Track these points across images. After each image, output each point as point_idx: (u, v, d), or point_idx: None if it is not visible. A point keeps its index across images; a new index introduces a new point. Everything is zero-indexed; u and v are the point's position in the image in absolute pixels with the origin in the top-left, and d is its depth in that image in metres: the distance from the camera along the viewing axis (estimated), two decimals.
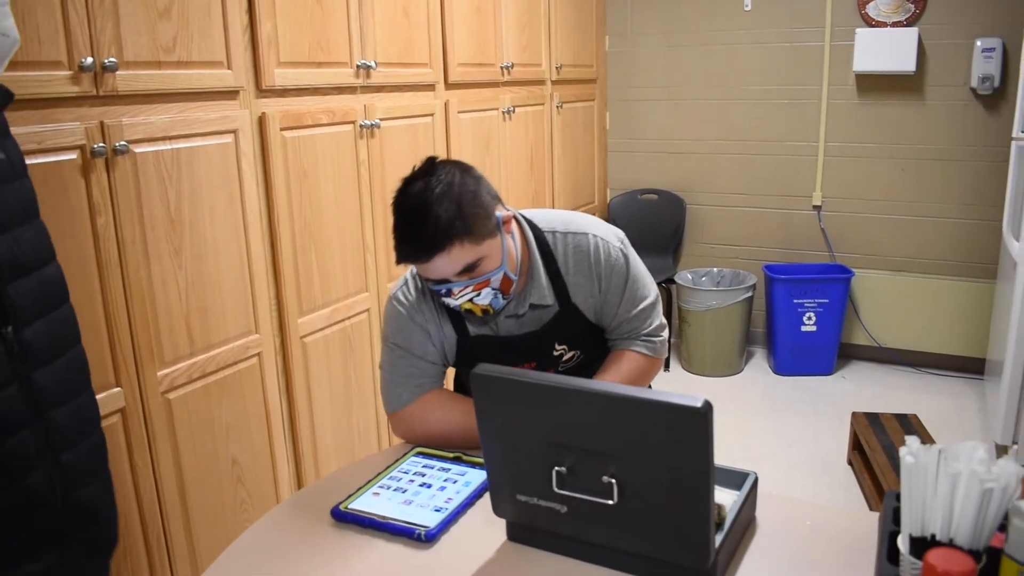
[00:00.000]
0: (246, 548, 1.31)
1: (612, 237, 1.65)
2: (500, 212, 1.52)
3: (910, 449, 0.96)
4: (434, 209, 1.40)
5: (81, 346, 1.43)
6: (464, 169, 1.49)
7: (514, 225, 1.59)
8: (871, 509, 2.93)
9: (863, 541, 1.24)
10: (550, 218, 1.68)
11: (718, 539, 1.13)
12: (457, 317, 1.64)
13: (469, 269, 1.46)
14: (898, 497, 1.24)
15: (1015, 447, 3.16)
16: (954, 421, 3.66)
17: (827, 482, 3.19)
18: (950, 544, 0.94)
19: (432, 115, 3.00)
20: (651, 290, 1.70)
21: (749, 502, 1.27)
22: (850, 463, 3.30)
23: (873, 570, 1.16)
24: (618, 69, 4.68)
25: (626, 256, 1.65)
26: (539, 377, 1.13)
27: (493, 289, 1.52)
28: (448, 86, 3.12)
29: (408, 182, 1.47)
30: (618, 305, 1.65)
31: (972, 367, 4.16)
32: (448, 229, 1.41)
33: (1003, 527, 0.95)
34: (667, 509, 1.08)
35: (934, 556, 0.73)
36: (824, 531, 1.28)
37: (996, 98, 3.89)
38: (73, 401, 1.38)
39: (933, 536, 0.95)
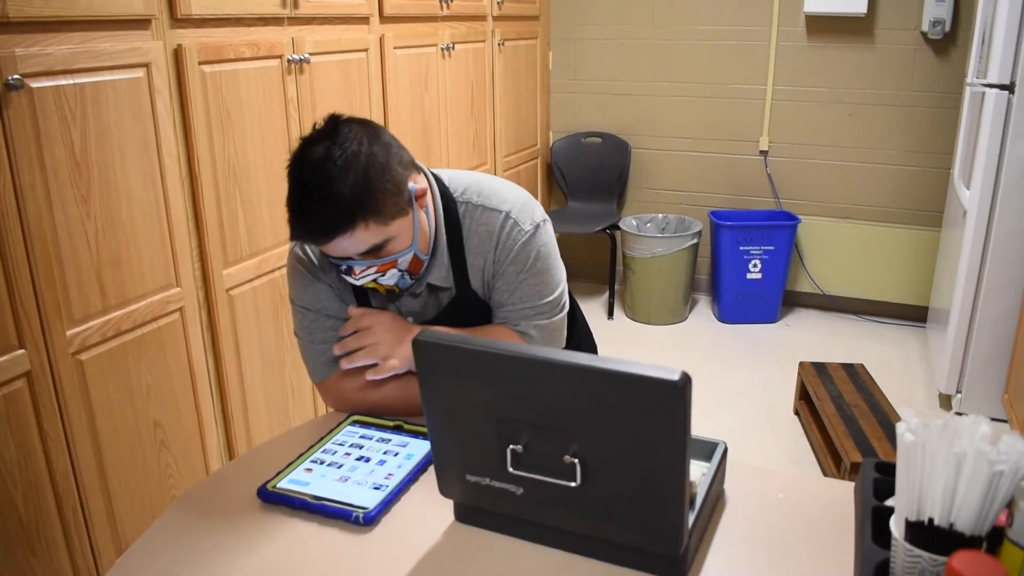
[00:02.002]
0: (159, 538, 1.16)
1: (527, 219, 1.43)
2: (414, 184, 1.33)
3: (908, 425, 0.86)
4: (336, 184, 1.21)
5: None
6: (373, 134, 1.28)
7: (429, 197, 1.39)
8: (818, 460, 2.90)
9: (841, 515, 1.15)
10: (467, 184, 1.47)
11: (689, 520, 1.02)
12: (357, 287, 1.46)
13: (374, 250, 1.29)
14: (877, 467, 1.16)
15: (959, 396, 3.16)
16: (899, 369, 3.66)
17: (773, 431, 3.15)
18: (950, 529, 0.85)
19: (366, 50, 2.80)
20: (552, 287, 1.47)
21: (719, 476, 1.17)
22: (796, 413, 3.27)
23: (853, 548, 1.07)
24: (562, 6, 4.49)
25: (533, 244, 1.43)
26: (490, 345, 1.00)
27: (400, 271, 1.36)
28: (383, 19, 2.91)
29: (306, 144, 1.26)
30: (507, 294, 1.45)
31: (915, 315, 4.17)
32: (352, 209, 1.22)
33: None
34: (636, 491, 0.97)
35: (960, 560, 0.63)
36: (798, 505, 1.18)
37: (946, 43, 3.82)
38: None
39: (931, 520, 0.86)
